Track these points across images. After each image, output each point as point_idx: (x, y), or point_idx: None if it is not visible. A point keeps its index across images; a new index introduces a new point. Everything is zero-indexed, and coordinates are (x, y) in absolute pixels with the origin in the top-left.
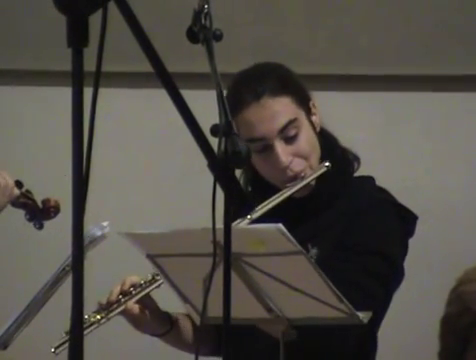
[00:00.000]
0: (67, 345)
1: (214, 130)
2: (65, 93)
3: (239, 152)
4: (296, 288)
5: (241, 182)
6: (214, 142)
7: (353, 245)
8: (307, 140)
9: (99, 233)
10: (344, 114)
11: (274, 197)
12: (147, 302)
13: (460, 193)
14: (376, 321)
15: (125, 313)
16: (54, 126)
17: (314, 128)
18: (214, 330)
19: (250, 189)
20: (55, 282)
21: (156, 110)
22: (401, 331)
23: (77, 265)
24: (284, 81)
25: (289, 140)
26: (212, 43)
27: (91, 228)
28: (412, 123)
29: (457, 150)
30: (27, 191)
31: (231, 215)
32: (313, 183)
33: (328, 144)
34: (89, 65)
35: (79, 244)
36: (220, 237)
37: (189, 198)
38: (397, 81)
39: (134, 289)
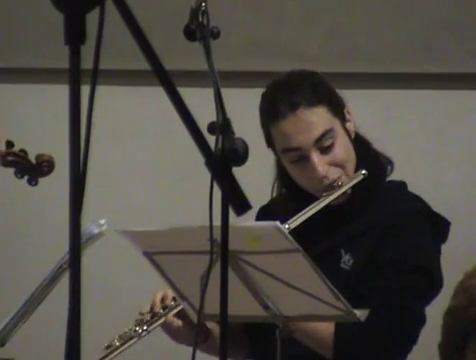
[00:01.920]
0: (109, 359)
1: (211, 128)
2: (62, 90)
3: (236, 150)
4: (293, 286)
5: (275, 189)
6: (212, 140)
7: (391, 261)
8: (343, 148)
9: (96, 231)
10: None
11: (311, 206)
12: (185, 314)
13: (459, 190)
14: (416, 337)
15: (164, 325)
16: (52, 124)
17: (349, 135)
18: (244, 334)
19: (286, 195)
20: (52, 279)
21: (153, 108)
22: None
23: (74, 263)
24: (319, 90)
25: (325, 150)
26: (209, 41)
27: (88, 226)
28: (410, 121)
29: (456, 148)
30: (21, 150)
31: (228, 212)
32: (349, 191)
33: (363, 150)
34: (86, 63)
35: (76, 242)
36: (217, 235)
37: (186, 196)
38: (395, 79)
39: (174, 301)
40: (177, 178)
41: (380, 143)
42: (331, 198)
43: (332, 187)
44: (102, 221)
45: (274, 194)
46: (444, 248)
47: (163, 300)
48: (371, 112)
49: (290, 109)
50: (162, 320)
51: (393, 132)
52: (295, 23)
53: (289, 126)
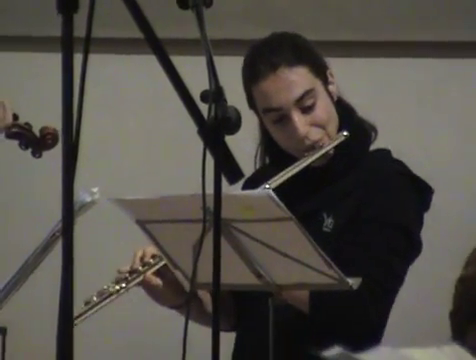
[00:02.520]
0: (88, 315)
1: (204, 96)
2: (55, 59)
3: (229, 118)
4: (286, 254)
5: (258, 157)
6: (204, 108)
7: (372, 218)
8: (324, 109)
9: (89, 199)
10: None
11: (292, 167)
12: (165, 273)
13: (448, 159)
14: (393, 297)
15: (143, 284)
16: (44, 92)
17: (331, 97)
18: (234, 303)
19: (268, 159)
20: (45, 247)
21: (146, 76)
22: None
23: (67, 231)
24: (300, 51)
25: (306, 110)
26: (202, 9)
27: (81, 194)
28: (400, 89)
29: (445, 116)
30: (26, 124)
31: (221, 181)
32: (331, 152)
33: (346, 113)
34: (79, 31)
35: (69, 210)
36: (210, 203)
37: (179, 164)
38: (384, 47)
39: (153, 259)
40: (170, 147)
41: (369, 111)
42: (312, 158)
43: (313, 148)
44: (95, 189)
45: (257, 164)
46: (433, 216)
47: (143, 258)
48: (361, 80)
49: (270, 69)
50: (141, 278)
51: (383, 100)
52: None
53: (270, 86)
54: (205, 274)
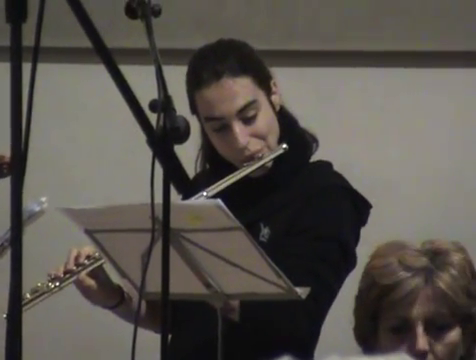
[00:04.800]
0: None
1: (153, 105)
2: (3, 68)
3: (178, 128)
4: (235, 264)
5: (199, 162)
6: (153, 118)
7: (306, 229)
8: (265, 121)
9: (37, 208)
10: (283, 90)
11: (231, 176)
12: (99, 274)
13: (397, 168)
14: (325, 307)
15: (76, 284)
16: None
17: (273, 108)
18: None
19: (208, 167)
20: None
21: (95, 86)
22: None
23: (16, 240)
24: (245, 61)
25: (247, 121)
26: (150, 18)
27: (29, 203)
28: (349, 98)
29: (394, 125)
30: None
31: (169, 190)
32: (270, 164)
33: (287, 124)
34: (28, 40)
35: (18, 219)
36: (159, 212)
37: (128, 174)
38: (334, 57)
39: (87, 260)
40: (119, 156)
41: (317, 120)
42: (251, 169)
43: (252, 158)
44: (43, 199)
45: (198, 169)
46: (381, 225)
47: (77, 258)
48: (310, 89)
49: (214, 77)
50: (74, 278)
51: (332, 109)
52: (237, 1)
53: (212, 95)
54: (154, 283)
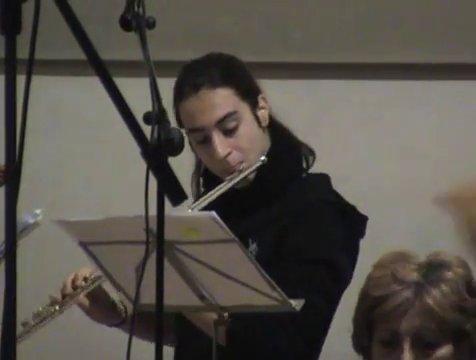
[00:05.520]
0: (25, 338)
1: (147, 118)
2: None
3: (172, 140)
4: (229, 276)
5: (193, 184)
6: (147, 130)
7: (292, 251)
8: (247, 134)
9: (32, 221)
10: (277, 102)
11: (215, 189)
12: (98, 294)
13: (393, 181)
14: (317, 332)
15: (78, 305)
16: None
17: (259, 122)
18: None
19: (202, 180)
20: None
21: (89, 98)
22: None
23: (10, 253)
24: (228, 73)
25: (228, 132)
26: (145, 31)
27: (24, 216)
28: (345, 111)
29: (390, 138)
30: None
31: (164, 203)
32: (252, 176)
33: (277, 140)
34: (22, 52)
35: (12, 232)
36: (153, 225)
37: (123, 186)
38: (330, 69)
39: (85, 282)
40: (114, 168)
41: (312, 133)
42: (232, 183)
43: (234, 171)
44: (38, 211)
45: (193, 183)
46: (377, 238)
47: (74, 281)
48: (306, 102)
49: (193, 89)
50: (73, 301)
51: (328, 122)
52: (231, 13)
53: (192, 106)
54: (148, 296)
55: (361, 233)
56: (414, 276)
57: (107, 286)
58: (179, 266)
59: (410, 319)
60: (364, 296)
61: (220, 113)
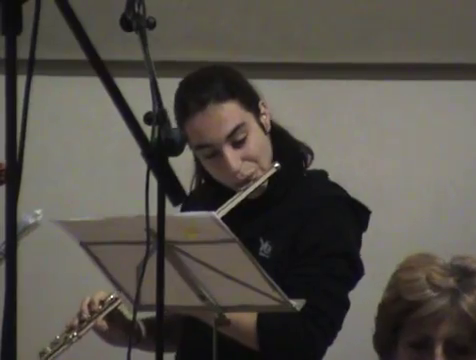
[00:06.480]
0: None
1: (147, 118)
2: None
3: (172, 140)
4: (229, 276)
5: (193, 183)
6: (148, 130)
7: (313, 246)
8: (256, 143)
9: (32, 221)
10: (277, 102)
11: (229, 201)
12: (115, 317)
13: (394, 181)
14: (340, 324)
15: (95, 330)
16: None
17: (264, 129)
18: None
19: (204, 187)
20: None
21: (90, 98)
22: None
23: (10, 253)
24: (230, 85)
25: (237, 144)
26: (145, 31)
27: (24, 216)
28: (345, 111)
29: (390, 138)
30: None
31: (164, 203)
32: (265, 184)
33: (279, 142)
34: (23, 53)
35: (12, 232)
36: (154, 225)
37: (124, 186)
38: (330, 69)
39: (102, 306)
40: (114, 168)
41: (311, 132)
42: (247, 192)
43: (247, 181)
44: (38, 211)
45: (193, 188)
46: (377, 237)
47: (90, 305)
48: (307, 102)
49: (199, 106)
50: (91, 325)
51: (328, 122)
52: (231, 13)
53: (200, 123)
54: (149, 296)
55: (365, 226)
56: (450, 282)
57: (123, 307)
58: (179, 266)
59: (445, 326)
60: (394, 299)
61: (229, 127)
